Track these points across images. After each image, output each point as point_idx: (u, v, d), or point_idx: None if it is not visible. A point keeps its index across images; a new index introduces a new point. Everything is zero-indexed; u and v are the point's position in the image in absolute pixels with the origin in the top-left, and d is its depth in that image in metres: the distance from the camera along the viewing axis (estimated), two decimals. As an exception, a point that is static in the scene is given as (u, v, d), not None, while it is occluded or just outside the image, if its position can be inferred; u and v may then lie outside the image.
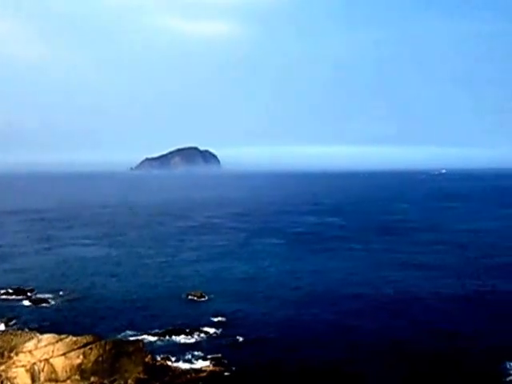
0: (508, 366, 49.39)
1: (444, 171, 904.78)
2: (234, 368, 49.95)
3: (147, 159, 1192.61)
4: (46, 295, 75.72)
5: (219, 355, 52.96)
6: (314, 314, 67.26)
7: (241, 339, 58.13)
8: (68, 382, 44.70)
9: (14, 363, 44.61)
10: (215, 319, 64.99)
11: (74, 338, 46.42)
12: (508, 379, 47.07)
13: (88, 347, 45.91)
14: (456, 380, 47.10)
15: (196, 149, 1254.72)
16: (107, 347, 46.76)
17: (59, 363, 44.81)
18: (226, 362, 51.38)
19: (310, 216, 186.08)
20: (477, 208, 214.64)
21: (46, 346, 45.52)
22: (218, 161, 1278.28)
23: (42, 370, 44.34)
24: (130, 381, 45.32)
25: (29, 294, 76.78)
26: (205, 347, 55.60)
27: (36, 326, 59.68)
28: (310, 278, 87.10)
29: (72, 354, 45.36)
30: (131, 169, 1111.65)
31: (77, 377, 44.86)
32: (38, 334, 47.69)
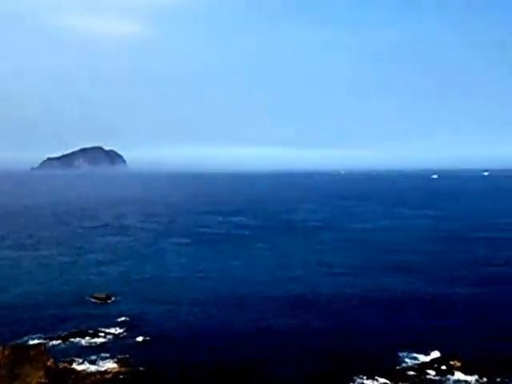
0: (400, 355, 52.76)
1: (343, 172, 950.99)
2: (141, 368, 49.72)
3: (49, 159, 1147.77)
4: None
5: (126, 356, 52.54)
6: (219, 313, 68.03)
7: (147, 339, 57.85)
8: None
9: None
10: (120, 320, 64.17)
11: (-30, 345, 44.43)
12: (401, 366, 50.27)
13: (-16, 354, 44.10)
14: (354, 372, 49.45)
15: (101, 149, 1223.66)
16: (6, 353, 45.13)
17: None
18: (132, 362, 51.06)
19: (215, 216, 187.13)
20: (373, 207, 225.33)
21: None
22: (125, 161, 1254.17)
23: None
24: (31, 386, 43.98)
25: None
26: (110, 348, 54.87)
27: None
28: (216, 277, 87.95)
29: (-32, 361, 43.39)
30: (32, 169, 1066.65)
31: (-27, 384, 43.00)
32: None
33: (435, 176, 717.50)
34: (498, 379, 46.96)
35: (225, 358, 52.89)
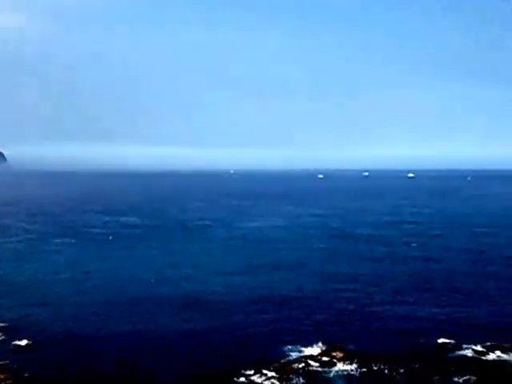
0: (286, 350, 54.69)
1: (232, 171, 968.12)
2: (23, 374, 47.76)
3: None
4: None
5: (6, 362, 50.09)
6: (108, 314, 66.61)
7: (30, 343, 55.35)
8: None
9: None
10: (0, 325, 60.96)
11: None
12: (286, 360, 52.15)
13: None
14: (242, 368, 50.59)
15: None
16: None
17: None
18: (13, 367, 48.81)
19: (103, 215, 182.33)
20: (262, 206, 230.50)
21: None
22: (5, 159, 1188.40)
23: None
24: None
25: None
26: (-11, 355, 52.00)
27: None
28: (104, 278, 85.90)
29: None
30: None
31: None
32: None
33: (321, 176, 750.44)
34: (375, 367, 50.14)
35: (113, 360, 52.03)
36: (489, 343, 55.43)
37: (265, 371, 49.25)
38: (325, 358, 52.22)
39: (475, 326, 62.04)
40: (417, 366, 50.45)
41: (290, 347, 55.07)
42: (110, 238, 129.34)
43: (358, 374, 49.11)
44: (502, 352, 53.54)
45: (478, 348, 54.59)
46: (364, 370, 49.87)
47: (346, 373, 49.50)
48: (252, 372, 49.09)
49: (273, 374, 48.89)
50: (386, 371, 49.37)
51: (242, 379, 48.05)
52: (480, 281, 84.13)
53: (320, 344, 55.44)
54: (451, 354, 53.58)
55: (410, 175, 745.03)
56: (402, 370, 49.35)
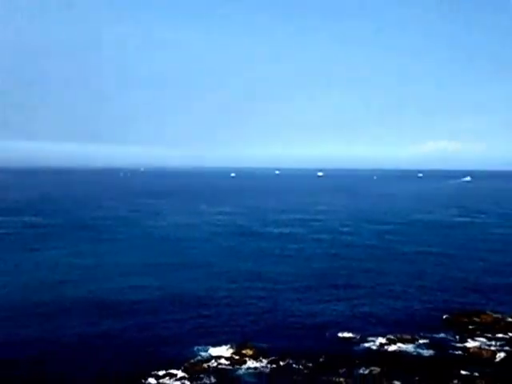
0: (196, 349, 54.48)
1: (142, 169, 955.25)
2: None
3: None
4: None
5: None
6: (9, 320, 63.35)
7: None
8: None
9: None
10: None
11: None
12: (196, 359, 51.91)
13: None
14: (152, 369, 49.87)
15: None
16: None
17: None
18: None
19: None
20: (172, 204, 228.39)
21: None
22: None
23: None
24: None
25: None
26: None
27: None
28: (4, 282, 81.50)
29: None
30: None
31: None
32: None
33: (233, 174, 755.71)
34: (284, 363, 51.05)
35: (17, 366, 49.57)
36: (391, 336, 58.10)
37: (174, 371, 48.76)
38: (235, 356, 52.46)
39: (377, 319, 64.78)
40: (323, 359, 51.88)
41: (199, 347, 54.86)
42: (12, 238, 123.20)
43: (267, 371, 49.76)
44: (403, 343, 56.33)
45: (381, 340, 57.07)
46: (274, 366, 50.63)
47: (256, 370, 50.02)
48: (162, 373, 48.45)
49: (183, 374, 48.50)
50: (295, 366, 50.37)
51: (151, 380, 47.30)
52: (380, 277, 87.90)
53: (230, 343, 55.63)
54: (356, 347, 55.59)
55: (320, 174, 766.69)
56: (310, 365, 50.54)
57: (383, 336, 58.15)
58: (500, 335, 59.05)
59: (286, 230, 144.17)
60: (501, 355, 53.41)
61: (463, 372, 49.26)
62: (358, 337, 58.29)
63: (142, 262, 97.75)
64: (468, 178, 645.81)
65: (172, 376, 48.14)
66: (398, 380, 47.16)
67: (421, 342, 57.00)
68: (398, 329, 60.54)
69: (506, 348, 55.29)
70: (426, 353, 54.16)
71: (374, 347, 55.66)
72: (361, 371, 49.37)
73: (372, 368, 49.65)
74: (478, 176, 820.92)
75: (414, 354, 53.96)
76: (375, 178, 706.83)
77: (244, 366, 50.71)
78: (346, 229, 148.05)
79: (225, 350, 54.03)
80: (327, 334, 59.32)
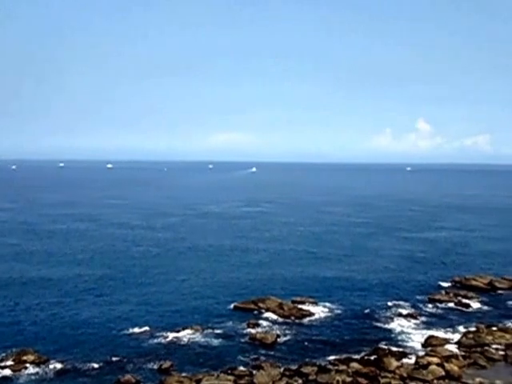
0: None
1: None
2: None
3: None
4: None
5: None
6: None
7: None
8: None
9: None
10: None
11: None
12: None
13: None
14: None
15: None
16: None
17: None
18: None
19: None
20: None
21: None
22: None
23: None
24: None
25: None
26: None
27: None
28: None
29: None
30: None
31: None
32: None
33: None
34: (69, 366, 48.13)
35: None
36: (180, 328, 58.23)
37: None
38: (13, 363, 48.07)
39: (170, 313, 64.67)
40: (110, 358, 50.03)
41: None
42: None
43: (51, 375, 46.50)
44: (193, 334, 56.91)
45: (171, 334, 56.81)
46: (58, 369, 47.60)
47: (37, 375, 46.39)
48: None
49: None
50: (82, 368, 47.82)
51: None
52: (173, 271, 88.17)
53: (10, 350, 50.82)
54: (145, 343, 54.45)
55: (109, 166, 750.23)
56: (95, 365, 48.37)
57: (172, 330, 57.94)
58: (281, 319, 63.04)
59: (72, 226, 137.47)
60: (282, 338, 56.94)
61: (252, 356, 51.31)
62: (148, 332, 57.38)
63: None
64: (254, 169, 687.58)
65: None
66: (187, 372, 47.28)
67: (209, 331, 58.09)
68: (187, 320, 61.04)
69: (287, 331, 59.12)
70: (216, 341, 55.33)
71: (164, 341, 55.14)
72: (150, 366, 48.57)
73: (162, 362, 49.07)
74: (262, 167, 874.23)
75: (205, 343, 54.73)
76: (165, 169, 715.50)
77: (26, 371, 46.87)
78: (137, 222, 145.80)
79: (4, 358, 49.10)
80: (114, 332, 57.26)
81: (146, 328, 58.24)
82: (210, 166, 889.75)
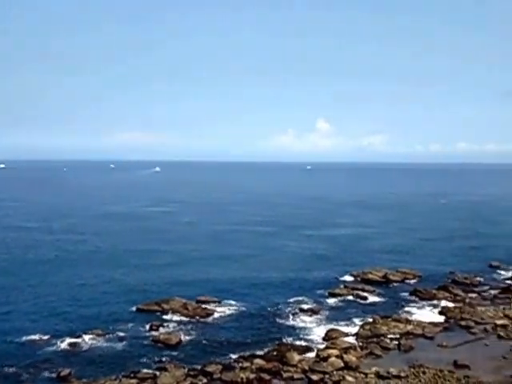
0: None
1: None
2: None
3: None
4: None
5: None
6: None
7: None
8: None
9: None
10: None
11: None
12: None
13: None
14: None
15: None
16: None
17: None
18: None
19: None
20: None
21: None
22: None
23: None
24: None
25: None
26: None
27: None
28: None
29: None
30: None
31: None
32: None
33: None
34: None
35: None
36: (79, 334, 56.13)
37: None
38: None
39: (64, 319, 62.22)
40: (7, 369, 47.36)
41: None
42: None
43: None
44: (94, 340, 55.07)
45: (69, 340, 54.56)
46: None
47: None
48: None
49: None
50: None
51: None
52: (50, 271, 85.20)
53: None
54: (41, 351, 52.03)
55: (1, 166, 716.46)
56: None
57: (71, 336, 55.66)
58: (186, 319, 62.70)
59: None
60: (186, 338, 56.59)
61: (155, 358, 50.51)
62: (45, 340, 54.78)
63: None
64: (157, 169, 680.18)
65: None
66: (87, 378, 45.73)
67: (111, 335, 56.51)
68: (87, 326, 58.92)
69: (192, 331, 58.85)
70: (117, 345, 53.95)
71: (62, 348, 52.90)
72: (47, 375, 46.48)
73: (60, 369, 47.07)
74: (166, 166, 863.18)
75: (107, 348, 53.20)
76: (65, 169, 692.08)
77: None
78: (34, 224, 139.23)
79: None
80: (6, 342, 54.10)
81: (43, 336, 55.47)
82: (112, 166, 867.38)
